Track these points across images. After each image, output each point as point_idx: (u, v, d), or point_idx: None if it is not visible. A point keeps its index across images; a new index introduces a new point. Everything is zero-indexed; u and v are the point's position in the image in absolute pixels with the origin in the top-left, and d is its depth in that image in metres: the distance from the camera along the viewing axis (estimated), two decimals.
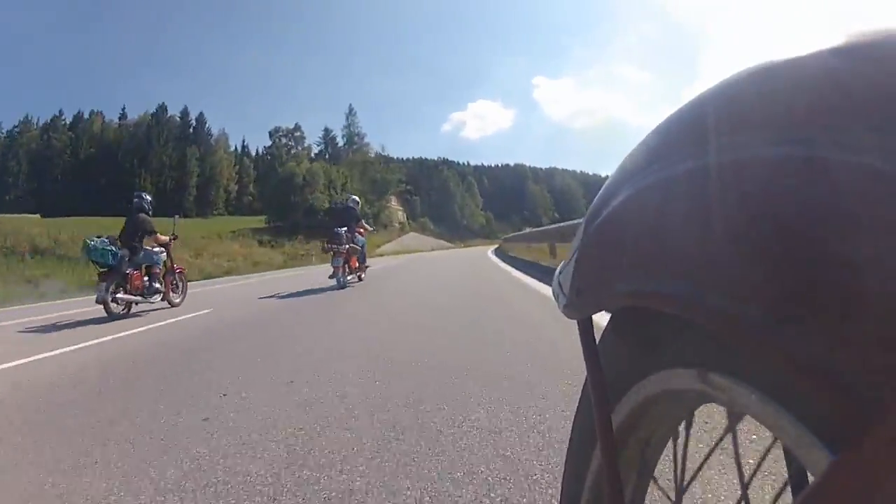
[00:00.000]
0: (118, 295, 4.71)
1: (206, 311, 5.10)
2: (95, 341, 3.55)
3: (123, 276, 4.73)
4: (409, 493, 1.15)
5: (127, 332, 3.87)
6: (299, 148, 51.67)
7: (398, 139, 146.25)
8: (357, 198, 7.98)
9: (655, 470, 0.41)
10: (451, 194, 79.56)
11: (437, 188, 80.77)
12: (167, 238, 5.38)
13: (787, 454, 0.33)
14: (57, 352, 3.24)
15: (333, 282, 6.62)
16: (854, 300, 0.19)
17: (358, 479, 1.24)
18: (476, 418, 1.60)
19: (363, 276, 7.59)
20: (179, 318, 4.56)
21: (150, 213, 5.26)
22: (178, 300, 5.56)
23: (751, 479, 0.34)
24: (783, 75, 0.25)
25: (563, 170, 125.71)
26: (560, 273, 0.42)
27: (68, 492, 1.28)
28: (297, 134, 53.92)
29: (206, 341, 3.35)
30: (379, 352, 2.67)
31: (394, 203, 54.87)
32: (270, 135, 52.61)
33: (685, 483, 0.37)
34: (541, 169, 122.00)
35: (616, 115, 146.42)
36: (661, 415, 0.38)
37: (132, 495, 1.22)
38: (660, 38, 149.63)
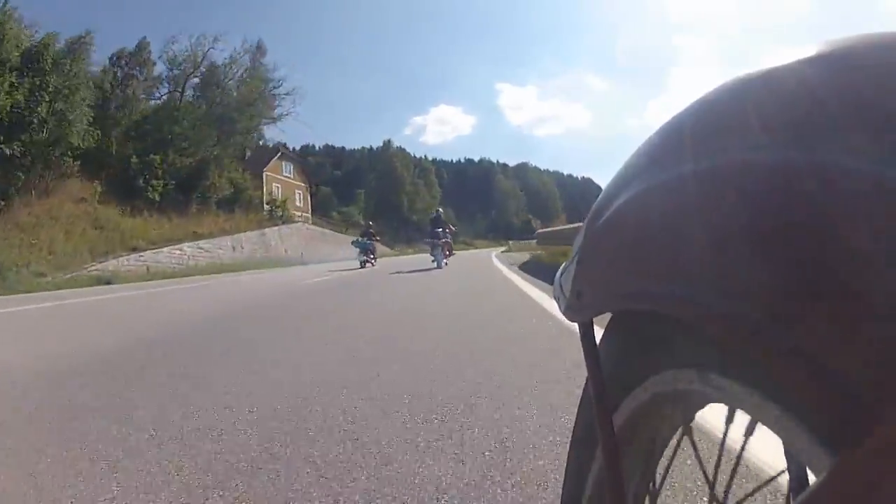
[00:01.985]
0: (364, 258, 13.53)
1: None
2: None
3: (367, 251, 13.60)
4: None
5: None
6: (143, 77, 24.44)
7: (355, 141, 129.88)
8: (441, 209, 15.42)
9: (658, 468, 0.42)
10: (398, 179, 60.35)
11: (380, 172, 61.62)
12: (377, 237, 15.60)
13: (788, 454, 0.34)
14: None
15: (434, 264, 11.45)
16: (852, 300, 0.20)
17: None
18: None
19: (447, 262, 12.06)
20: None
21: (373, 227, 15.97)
22: (377, 263, 14.60)
23: (765, 484, 0.35)
24: (781, 82, 0.26)
25: (535, 167, 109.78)
26: (561, 275, 0.42)
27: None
28: (144, 57, 28.90)
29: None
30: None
31: (286, 175, 34.41)
32: (111, 63, 26.76)
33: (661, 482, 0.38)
34: (509, 166, 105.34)
35: (579, 125, 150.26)
36: (662, 416, 0.39)
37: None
38: (627, 50, 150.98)
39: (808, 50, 0.26)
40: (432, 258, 11.52)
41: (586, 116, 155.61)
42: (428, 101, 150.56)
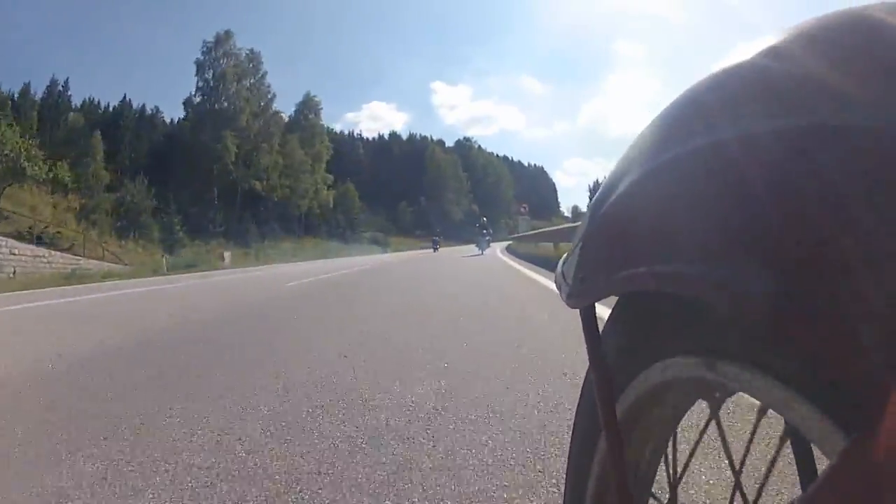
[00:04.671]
0: (434, 248, 28.42)
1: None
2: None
3: (436, 244, 29.12)
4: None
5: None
6: None
7: None
8: (485, 217, 22.52)
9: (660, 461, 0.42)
10: (221, 116, 31.33)
11: (200, 127, 31.67)
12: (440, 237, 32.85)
13: (795, 441, 0.34)
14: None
15: (479, 251, 17.92)
16: (869, 280, 0.19)
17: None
18: None
19: (487, 251, 18.65)
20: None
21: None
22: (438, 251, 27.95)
23: (742, 464, 0.36)
24: (779, 63, 0.26)
25: (479, 146, 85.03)
26: (563, 264, 0.42)
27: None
28: None
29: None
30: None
31: None
32: None
33: (678, 473, 0.39)
34: (446, 144, 79.62)
35: (514, 126, 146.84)
36: (667, 404, 0.39)
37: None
38: (563, 52, 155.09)
39: (799, 32, 0.26)
40: (478, 248, 19.11)
41: (520, 119, 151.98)
42: (361, 97, 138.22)
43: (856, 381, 0.19)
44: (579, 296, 0.38)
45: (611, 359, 0.39)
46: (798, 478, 0.36)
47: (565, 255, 0.43)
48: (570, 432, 0.48)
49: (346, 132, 73.18)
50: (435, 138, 78.45)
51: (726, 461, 0.37)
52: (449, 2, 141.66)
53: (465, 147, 78.63)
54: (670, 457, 0.38)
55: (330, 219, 40.22)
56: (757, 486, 0.33)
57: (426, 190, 62.15)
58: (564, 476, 0.48)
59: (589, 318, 0.39)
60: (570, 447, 0.47)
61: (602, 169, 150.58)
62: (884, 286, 0.18)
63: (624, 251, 0.34)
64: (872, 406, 0.18)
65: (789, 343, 0.22)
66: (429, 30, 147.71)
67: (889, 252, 0.19)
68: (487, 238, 19.17)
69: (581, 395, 0.46)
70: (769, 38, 0.27)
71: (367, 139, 77.19)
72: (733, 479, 0.34)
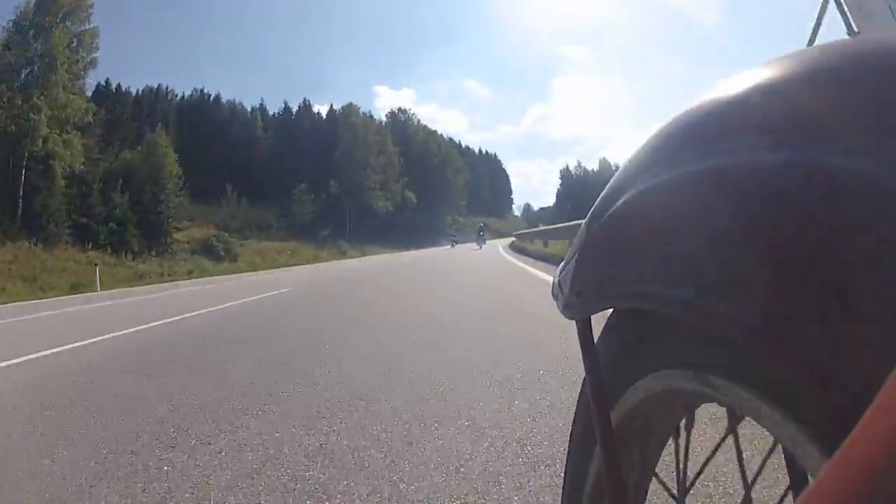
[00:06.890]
0: (455, 244, 36.62)
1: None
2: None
3: (453, 242, 37.81)
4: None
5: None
6: None
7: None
8: (483, 223, 37.40)
9: (657, 469, 0.43)
10: None
11: None
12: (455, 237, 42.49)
13: (788, 455, 0.35)
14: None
15: (478, 247, 26.91)
16: (851, 301, 0.20)
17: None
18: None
19: (484, 246, 27.67)
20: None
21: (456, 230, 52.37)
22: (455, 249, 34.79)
23: (755, 479, 0.36)
24: (780, 83, 0.27)
25: (419, 121, 66.54)
26: (560, 273, 0.42)
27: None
28: None
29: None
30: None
31: None
32: None
33: (687, 483, 0.39)
34: (374, 118, 60.55)
35: (456, 130, 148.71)
36: (660, 414, 0.40)
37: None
38: (508, 55, 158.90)
39: (804, 52, 0.27)
40: (477, 244, 27.99)
41: (464, 122, 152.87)
42: (302, 100, 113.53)
43: (838, 400, 0.20)
44: (575, 308, 0.39)
45: (607, 367, 0.39)
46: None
47: (562, 263, 0.42)
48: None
49: (250, 107, 53.53)
50: (364, 112, 59.69)
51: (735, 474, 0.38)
52: (393, 5, 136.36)
53: (398, 120, 60.53)
54: (681, 465, 0.39)
55: (91, 201, 20.54)
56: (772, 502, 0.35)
57: (338, 169, 42.73)
58: (562, 485, 0.49)
59: (585, 329, 0.39)
60: (568, 455, 0.47)
61: (544, 171, 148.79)
62: (869, 316, 0.19)
63: (618, 268, 0.34)
64: (853, 423, 0.18)
65: (773, 364, 0.23)
66: (369, 32, 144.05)
67: (873, 285, 0.19)
68: (484, 238, 28.94)
69: (577, 404, 0.46)
70: (774, 67, 0.27)
71: (271, 114, 57.58)
72: (743, 493, 0.35)
